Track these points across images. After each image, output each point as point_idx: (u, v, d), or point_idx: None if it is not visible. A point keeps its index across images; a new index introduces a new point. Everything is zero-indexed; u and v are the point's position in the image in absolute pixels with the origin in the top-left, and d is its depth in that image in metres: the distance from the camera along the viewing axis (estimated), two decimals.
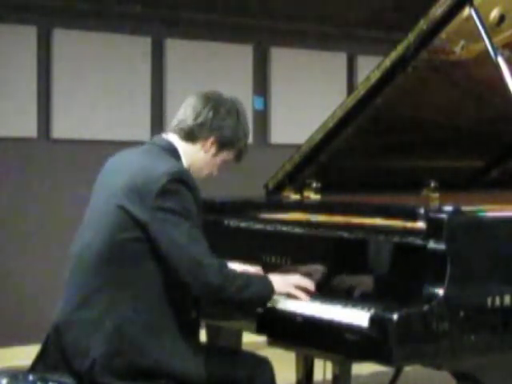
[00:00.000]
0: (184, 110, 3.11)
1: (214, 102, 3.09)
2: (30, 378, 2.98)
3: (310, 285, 3.16)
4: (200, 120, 3.07)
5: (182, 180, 2.90)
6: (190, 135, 3.08)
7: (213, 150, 3.10)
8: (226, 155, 3.16)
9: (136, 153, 3.10)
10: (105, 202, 2.96)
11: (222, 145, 3.10)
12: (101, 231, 2.92)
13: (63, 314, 2.95)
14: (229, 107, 3.10)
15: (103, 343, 2.83)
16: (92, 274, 2.90)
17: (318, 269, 3.26)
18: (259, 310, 3.13)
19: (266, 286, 3.05)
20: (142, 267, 2.87)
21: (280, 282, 3.10)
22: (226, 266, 2.97)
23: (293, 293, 3.11)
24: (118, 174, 3.00)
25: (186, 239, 2.86)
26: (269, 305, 3.11)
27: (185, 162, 3.08)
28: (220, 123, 3.08)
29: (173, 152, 3.06)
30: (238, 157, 3.21)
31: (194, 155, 3.10)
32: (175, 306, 2.92)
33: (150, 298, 2.88)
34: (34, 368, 3.01)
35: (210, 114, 3.07)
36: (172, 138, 3.10)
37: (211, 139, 3.08)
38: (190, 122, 3.07)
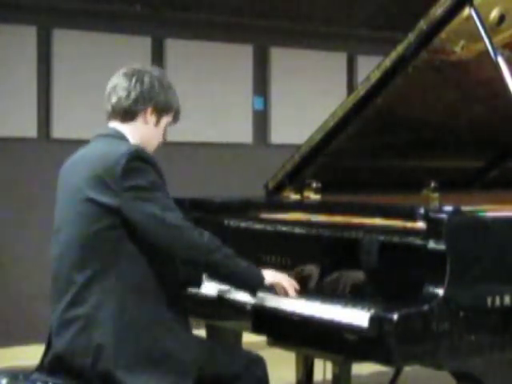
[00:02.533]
0: (113, 94, 3.12)
1: (137, 75, 3.12)
2: (30, 378, 2.99)
3: (296, 285, 3.19)
4: (133, 96, 3.09)
5: (141, 157, 2.94)
6: (128, 114, 3.10)
7: (153, 119, 3.14)
8: (166, 120, 3.19)
9: (88, 147, 3.12)
10: (72, 200, 2.99)
11: (160, 111, 3.14)
12: (75, 228, 2.95)
13: (56, 316, 2.96)
14: (151, 75, 3.13)
15: (103, 336, 2.84)
16: (76, 271, 2.92)
17: (313, 270, 3.27)
18: (257, 309, 3.14)
19: (255, 269, 3.10)
20: (124, 253, 2.90)
21: (270, 273, 3.15)
22: (207, 233, 3.01)
23: (282, 285, 3.14)
24: (76, 171, 3.03)
25: (160, 209, 2.91)
26: (268, 304, 3.12)
27: (133, 141, 3.09)
28: (150, 92, 3.11)
29: (121, 137, 3.08)
30: (176, 117, 3.24)
31: (139, 132, 3.12)
32: (163, 286, 2.94)
33: (138, 281, 2.90)
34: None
35: (138, 86, 3.10)
36: (115, 124, 3.12)
37: (149, 110, 3.11)
38: (124, 102, 3.09)
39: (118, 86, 3.11)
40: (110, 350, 2.83)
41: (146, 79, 3.11)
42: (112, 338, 2.84)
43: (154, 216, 2.89)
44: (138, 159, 2.93)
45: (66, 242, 2.99)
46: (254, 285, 3.09)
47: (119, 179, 2.89)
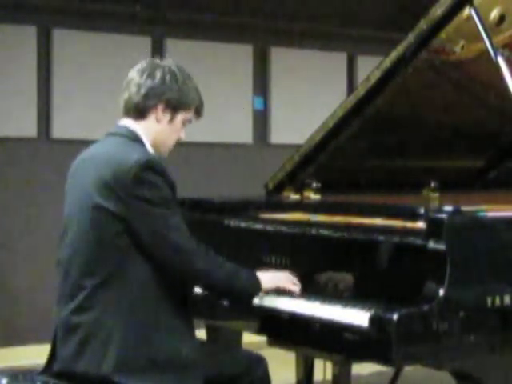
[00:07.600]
0: (126, 89, 3.04)
1: (149, 70, 3.02)
2: (30, 378, 2.99)
3: (296, 281, 3.18)
4: (142, 92, 2.99)
5: (153, 168, 2.86)
6: (139, 111, 3.02)
7: (167, 116, 3.04)
8: (185, 116, 3.10)
9: (101, 147, 3.05)
10: (80, 205, 2.94)
11: (173, 108, 3.04)
12: (84, 234, 2.90)
13: (62, 321, 2.94)
14: (163, 70, 3.03)
15: (107, 343, 2.83)
16: (84, 277, 2.89)
17: (313, 270, 3.27)
18: (257, 309, 3.14)
19: (254, 278, 3.07)
20: (131, 260, 2.86)
21: (268, 276, 3.13)
22: (211, 252, 2.96)
23: (282, 286, 3.13)
24: (87, 173, 2.96)
25: (166, 228, 2.86)
26: (268, 304, 3.12)
27: (147, 143, 3.02)
28: (161, 88, 3.01)
29: (135, 138, 3.00)
30: (198, 113, 3.16)
31: (152, 130, 3.03)
32: (171, 293, 2.92)
33: (145, 289, 2.87)
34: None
35: (149, 82, 3.00)
36: (127, 122, 3.05)
37: (160, 106, 3.02)
38: (134, 98, 3.01)
39: (132, 81, 3.02)
40: (113, 358, 2.81)
41: (158, 74, 3.01)
42: (116, 346, 2.82)
43: (160, 234, 2.85)
44: (150, 170, 2.85)
45: (73, 247, 2.94)
46: (252, 294, 3.09)
47: (128, 188, 2.82)
